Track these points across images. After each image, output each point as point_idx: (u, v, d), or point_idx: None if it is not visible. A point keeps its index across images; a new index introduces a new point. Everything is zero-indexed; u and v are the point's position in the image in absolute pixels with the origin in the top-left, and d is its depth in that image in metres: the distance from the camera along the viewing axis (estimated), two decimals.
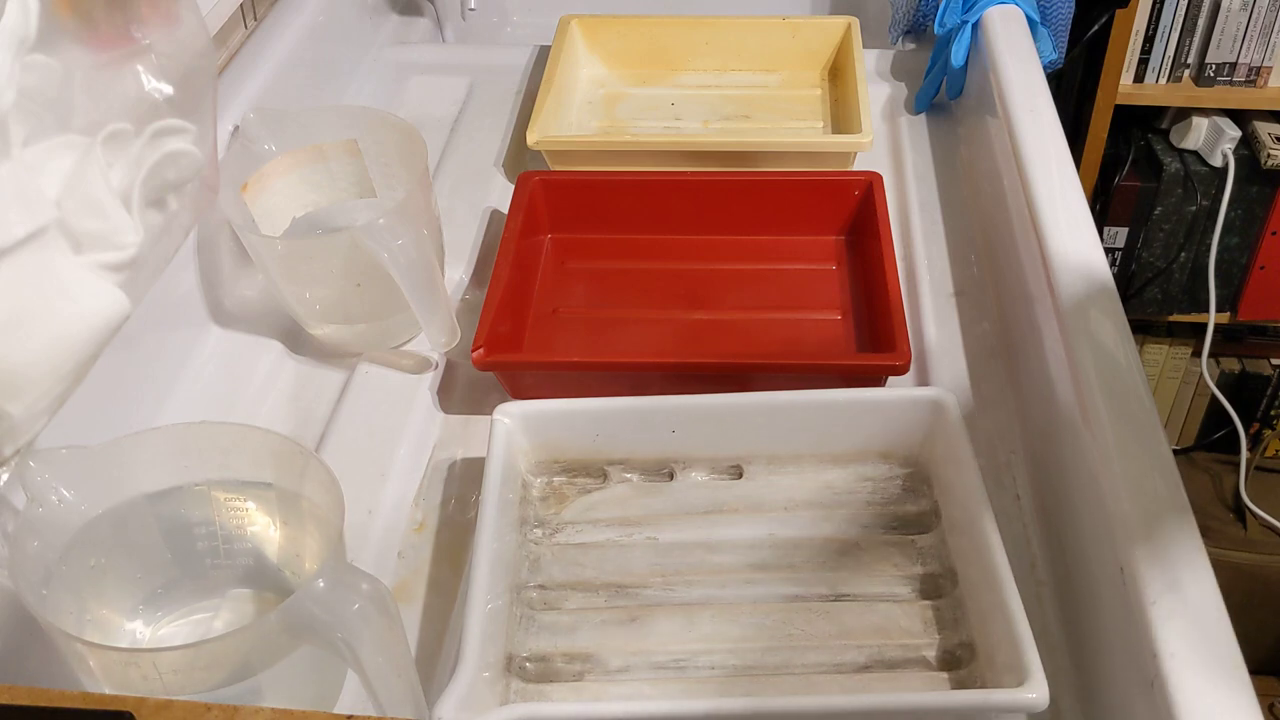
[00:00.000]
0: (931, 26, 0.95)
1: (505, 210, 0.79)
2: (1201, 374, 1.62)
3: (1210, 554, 0.50)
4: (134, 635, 0.56)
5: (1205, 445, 1.71)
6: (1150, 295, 1.62)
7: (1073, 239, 0.68)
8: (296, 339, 0.76)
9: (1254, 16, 1.41)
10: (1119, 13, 1.39)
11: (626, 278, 0.80)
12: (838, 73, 0.98)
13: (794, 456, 0.64)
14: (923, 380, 0.72)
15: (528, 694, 0.55)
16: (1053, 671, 0.51)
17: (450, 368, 0.75)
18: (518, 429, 0.63)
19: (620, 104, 0.97)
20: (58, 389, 0.46)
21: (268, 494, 0.56)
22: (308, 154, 0.75)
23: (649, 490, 0.64)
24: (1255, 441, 1.64)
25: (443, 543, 0.65)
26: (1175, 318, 1.64)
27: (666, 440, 0.64)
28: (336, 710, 0.55)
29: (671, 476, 0.64)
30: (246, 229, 0.70)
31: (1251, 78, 1.46)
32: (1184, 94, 1.48)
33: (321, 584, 0.47)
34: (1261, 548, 1.48)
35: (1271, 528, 1.50)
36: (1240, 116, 1.50)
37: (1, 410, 0.44)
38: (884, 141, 0.94)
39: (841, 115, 0.93)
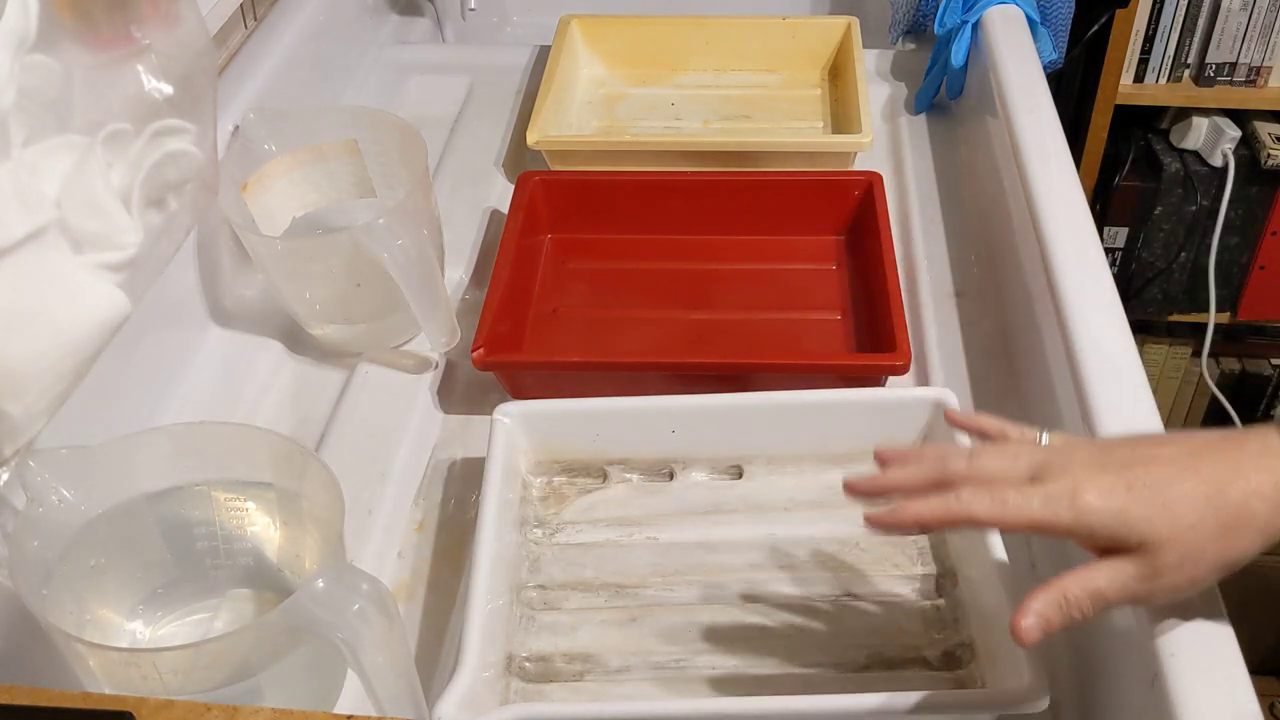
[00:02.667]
0: (931, 26, 0.95)
1: (505, 210, 0.79)
2: (1201, 374, 1.62)
3: None
4: (134, 635, 0.56)
5: None
6: (1150, 295, 1.62)
7: (1073, 239, 0.68)
8: (296, 339, 0.76)
9: (1254, 16, 1.41)
10: (1119, 13, 1.39)
11: (626, 278, 0.80)
12: (838, 73, 0.98)
13: (794, 456, 0.64)
14: (923, 380, 0.72)
15: (528, 694, 0.55)
16: (1053, 671, 0.51)
17: (450, 368, 0.75)
18: (518, 429, 0.63)
19: (620, 104, 0.97)
20: (58, 389, 0.46)
21: (268, 494, 0.56)
22: (308, 154, 0.75)
23: (649, 490, 0.64)
24: None
25: (443, 543, 0.65)
26: (1175, 318, 1.63)
27: (666, 440, 0.64)
28: (336, 710, 0.55)
29: (671, 476, 0.64)
30: (246, 229, 0.70)
31: (1251, 78, 1.46)
32: (1184, 94, 1.48)
33: (321, 584, 0.47)
34: None
35: None
36: (1240, 116, 1.50)
37: (1, 410, 0.44)
38: (884, 141, 0.94)
39: (841, 115, 0.93)
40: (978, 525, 0.47)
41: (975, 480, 0.46)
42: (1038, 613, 0.44)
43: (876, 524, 0.47)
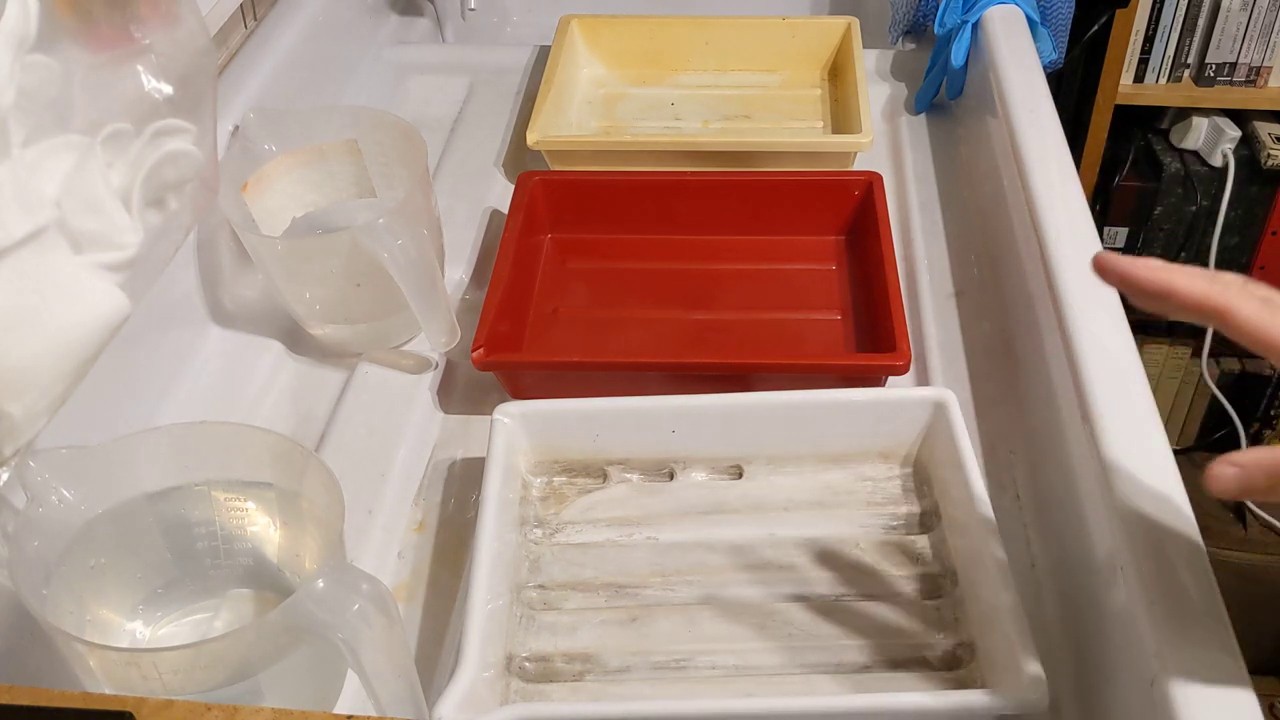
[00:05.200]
0: (931, 26, 0.95)
1: (505, 210, 0.79)
2: (1201, 374, 1.62)
3: (1210, 554, 0.50)
4: (134, 635, 0.56)
5: (1205, 445, 1.71)
6: None
7: (1073, 239, 0.68)
8: (296, 339, 0.76)
9: (1254, 16, 1.41)
10: (1119, 13, 1.39)
11: (626, 278, 0.80)
12: (838, 73, 0.98)
13: (794, 456, 0.64)
14: (923, 380, 0.72)
15: (528, 694, 0.55)
16: (1053, 671, 0.51)
17: (450, 368, 0.75)
18: (518, 429, 0.63)
19: (620, 104, 0.97)
20: (58, 389, 0.46)
21: (268, 494, 0.56)
22: (308, 154, 0.75)
23: (649, 490, 0.64)
24: (1255, 442, 1.64)
25: (443, 543, 0.65)
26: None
27: (666, 440, 0.64)
28: (336, 710, 0.55)
29: (671, 476, 0.64)
30: (246, 229, 0.70)
31: (1251, 78, 1.46)
32: (1184, 94, 1.48)
33: (321, 584, 0.47)
34: (1261, 548, 1.48)
35: (1271, 528, 1.50)
36: (1240, 116, 1.50)
37: (1, 410, 0.44)
38: (884, 141, 0.94)
39: (841, 115, 0.93)
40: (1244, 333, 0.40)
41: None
42: (1242, 464, 0.39)
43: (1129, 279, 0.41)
